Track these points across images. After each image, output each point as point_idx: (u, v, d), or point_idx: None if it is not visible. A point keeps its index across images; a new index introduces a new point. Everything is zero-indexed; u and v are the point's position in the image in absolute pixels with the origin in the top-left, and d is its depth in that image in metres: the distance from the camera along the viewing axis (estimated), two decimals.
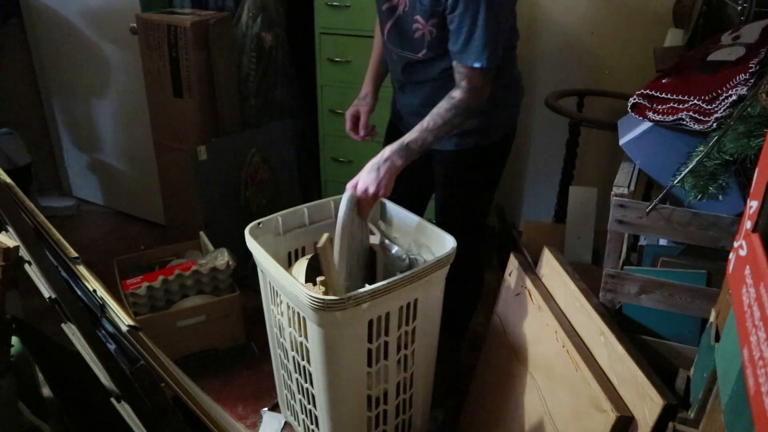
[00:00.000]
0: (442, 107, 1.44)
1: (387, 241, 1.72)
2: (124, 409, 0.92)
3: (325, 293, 1.35)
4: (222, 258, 2.07)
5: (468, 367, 1.89)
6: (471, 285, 1.86)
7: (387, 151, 1.46)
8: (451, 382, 1.91)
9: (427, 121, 1.45)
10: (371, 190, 1.45)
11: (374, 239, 1.68)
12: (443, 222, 1.71)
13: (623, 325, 1.29)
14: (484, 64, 1.38)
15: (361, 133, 1.76)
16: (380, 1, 1.54)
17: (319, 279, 1.37)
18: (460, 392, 1.84)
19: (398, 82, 1.69)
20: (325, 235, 1.37)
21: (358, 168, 1.62)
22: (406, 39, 1.52)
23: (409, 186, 1.75)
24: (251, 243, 1.53)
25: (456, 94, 1.43)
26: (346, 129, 1.78)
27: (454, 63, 1.43)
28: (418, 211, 1.75)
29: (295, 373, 1.59)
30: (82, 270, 1.07)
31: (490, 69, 1.40)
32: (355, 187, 1.47)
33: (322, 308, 1.29)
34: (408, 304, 1.49)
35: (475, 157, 1.63)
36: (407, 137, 1.46)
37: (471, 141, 1.61)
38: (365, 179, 1.46)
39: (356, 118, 1.77)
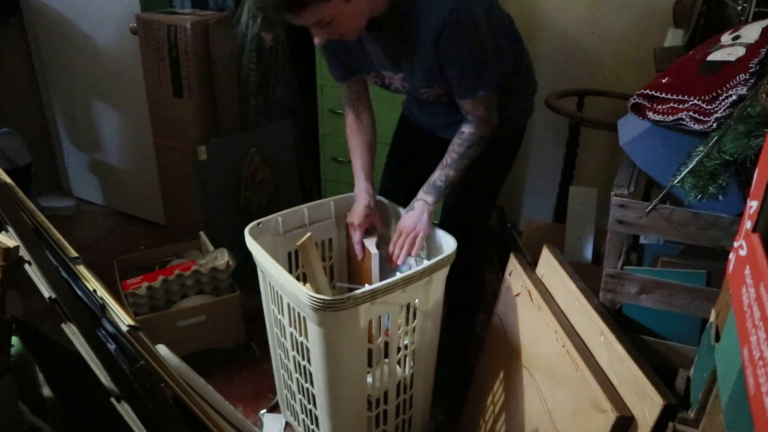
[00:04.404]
0: (455, 143, 1.51)
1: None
2: (124, 409, 0.92)
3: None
4: (222, 258, 2.07)
5: (469, 367, 1.89)
6: (472, 284, 1.86)
7: (420, 193, 1.57)
8: (457, 383, 1.90)
9: (445, 158, 1.53)
10: (417, 226, 1.55)
11: (371, 240, 1.68)
12: (448, 216, 1.72)
13: (623, 325, 1.29)
14: (482, 92, 1.44)
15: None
16: (384, 86, 1.57)
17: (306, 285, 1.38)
18: (460, 392, 1.84)
19: (415, 104, 1.71)
20: (307, 234, 1.38)
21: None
22: (421, 101, 1.59)
23: (419, 177, 1.77)
24: (251, 243, 1.53)
25: (465, 128, 1.50)
26: (354, 240, 1.66)
27: (457, 101, 1.48)
28: None
29: (296, 372, 1.59)
30: (82, 270, 1.07)
31: (486, 98, 1.46)
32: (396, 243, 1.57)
33: (322, 308, 1.29)
34: (408, 304, 1.49)
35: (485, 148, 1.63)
36: (432, 176, 1.55)
37: None
38: (405, 221, 1.57)
39: (365, 231, 1.66)
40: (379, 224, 1.68)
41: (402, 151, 1.83)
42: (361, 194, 1.64)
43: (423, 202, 1.56)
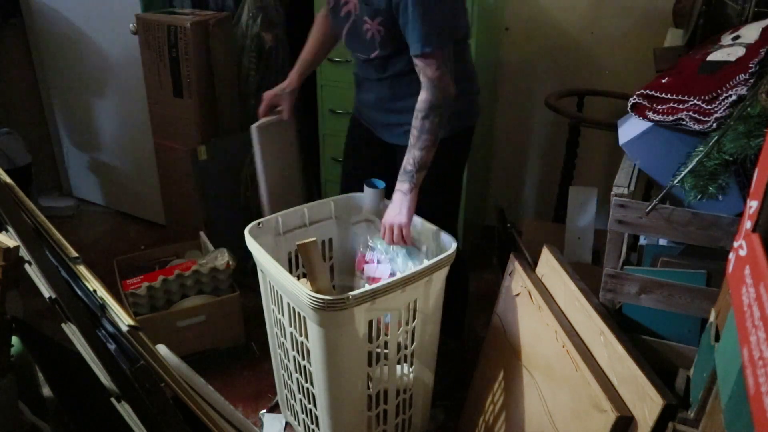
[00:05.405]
0: (413, 119, 1.48)
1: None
2: (124, 409, 0.92)
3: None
4: (222, 258, 2.07)
5: (468, 368, 1.89)
6: (455, 280, 1.84)
7: (397, 183, 1.53)
8: (454, 382, 1.90)
9: (409, 139, 1.49)
10: (395, 221, 1.53)
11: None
12: None
13: (623, 325, 1.29)
14: (428, 49, 1.40)
15: (285, 116, 1.85)
16: (336, 8, 1.58)
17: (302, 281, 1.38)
18: (460, 392, 1.84)
19: (357, 78, 1.73)
20: (311, 239, 1.37)
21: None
22: (360, 41, 1.56)
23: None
24: (251, 243, 1.53)
25: (420, 96, 1.47)
26: (260, 109, 1.85)
27: (412, 55, 1.45)
28: None
29: (296, 372, 1.59)
30: (82, 270, 1.07)
31: (436, 56, 1.42)
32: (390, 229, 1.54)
33: (322, 308, 1.29)
34: (408, 304, 1.49)
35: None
36: (403, 162, 1.51)
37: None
38: (386, 216, 1.55)
39: (273, 105, 1.84)
40: (286, 109, 1.83)
41: (352, 156, 1.86)
42: (288, 78, 1.82)
43: (399, 193, 1.52)
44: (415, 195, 1.52)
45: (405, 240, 1.55)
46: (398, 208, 1.52)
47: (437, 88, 1.44)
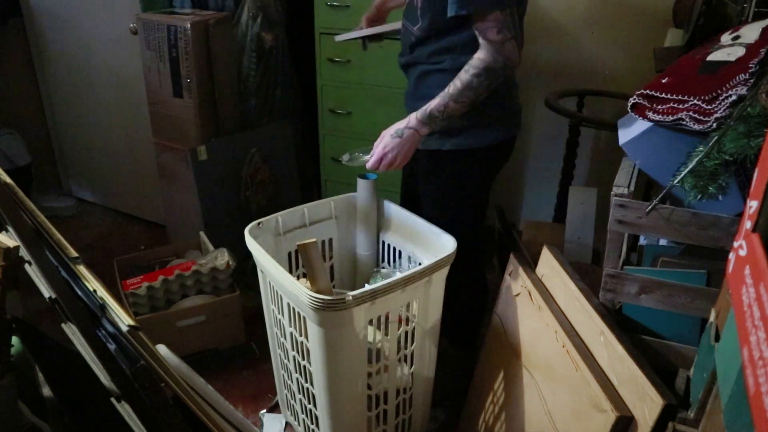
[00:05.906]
0: (462, 71, 1.39)
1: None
2: (124, 409, 0.92)
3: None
4: (222, 258, 2.07)
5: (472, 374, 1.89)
6: (473, 292, 1.82)
7: (412, 118, 1.45)
8: (459, 389, 1.89)
9: (449, 86, 1.40)
10: (390, 155, 1.47)
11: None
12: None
13: (623, 325, 1.29)
14: (465, 10, 1.33)
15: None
16: None
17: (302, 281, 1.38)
18: (460, 392, 1.84)
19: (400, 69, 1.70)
20: (312, 240, 1.37)
21: (358, 169, 1.63)
22: (411, 11, 1.53)
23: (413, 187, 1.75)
24: (251, 243, 1.54)
25: (476, 54, 1.38)
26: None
27: (474, 27, 1.38)
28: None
29: (296, 372, 1.59)
30: (82, 270, 1.07)
31: (492, 18, 1.32)
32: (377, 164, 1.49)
33: (322, 308, 1.29)
34: (408, 304, 1.49)
35: (449, 159, 1.57)
36: (430, 104, 1.43)
37: (436, 143, 1.56)
38: (387, 142, 1.47)
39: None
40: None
41: (410, 182, 1.81)
42: None
43: (414, 131, 1.44)
44: (424, 138, 1.47)
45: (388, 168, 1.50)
46: (407, 144, 1.45)
47: (498, 52, 1.34)
